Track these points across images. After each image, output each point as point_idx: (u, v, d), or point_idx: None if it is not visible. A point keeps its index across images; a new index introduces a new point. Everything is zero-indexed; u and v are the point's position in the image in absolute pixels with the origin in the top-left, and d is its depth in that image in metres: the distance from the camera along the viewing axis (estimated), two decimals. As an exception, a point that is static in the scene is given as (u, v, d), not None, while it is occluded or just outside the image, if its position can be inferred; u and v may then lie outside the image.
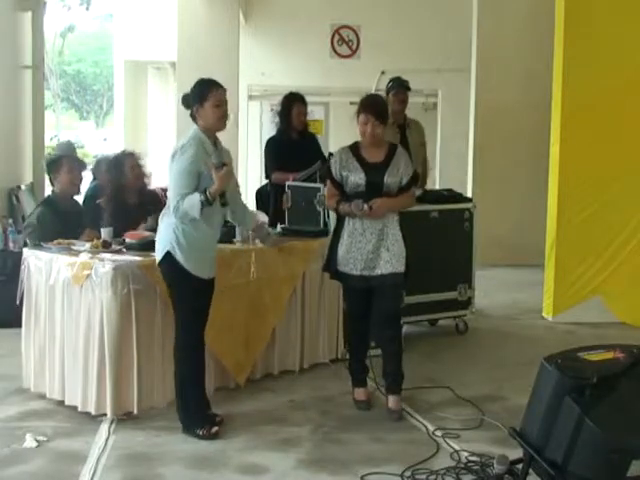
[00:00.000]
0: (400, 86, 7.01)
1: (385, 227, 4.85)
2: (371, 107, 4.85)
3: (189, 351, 4.52)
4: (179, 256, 4.41)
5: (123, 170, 5.78)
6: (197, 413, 4.55)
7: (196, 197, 4.32)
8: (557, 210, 7.27)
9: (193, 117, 4.53)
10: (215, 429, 4.49)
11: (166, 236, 4.46)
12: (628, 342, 3.88)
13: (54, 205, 5.85)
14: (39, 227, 5.69)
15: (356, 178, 4.83)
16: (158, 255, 4.50)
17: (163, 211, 4.57)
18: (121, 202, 5.76)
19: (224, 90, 4.55)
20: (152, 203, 5.82)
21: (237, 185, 4.83)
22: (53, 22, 29.23)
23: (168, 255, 4.43)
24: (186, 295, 4.49)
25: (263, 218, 5.73)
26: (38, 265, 4.99)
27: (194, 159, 4.38)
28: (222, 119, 4.50)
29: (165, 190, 7.16)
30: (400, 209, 4.96)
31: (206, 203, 4.30)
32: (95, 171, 8.09)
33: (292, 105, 6.73)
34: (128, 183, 5.78)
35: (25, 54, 8.87)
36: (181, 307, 4.53)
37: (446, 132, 11.16)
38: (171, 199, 4.41)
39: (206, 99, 4.45)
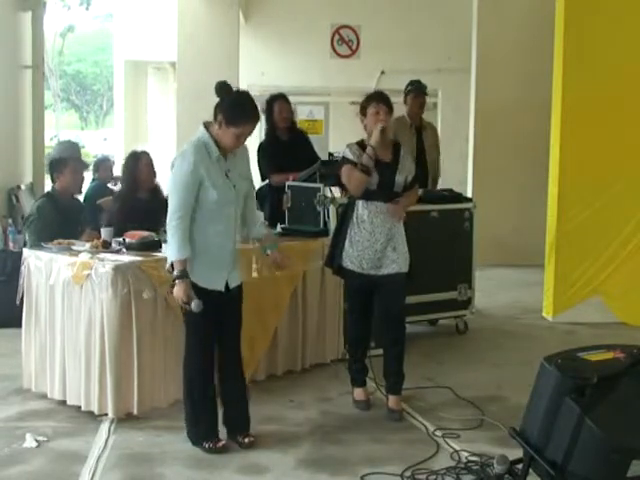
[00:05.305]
0: (419, 90, 7.15)
1: (393, 227, 4.86)
2: (380, 97, 4.88)
3: (193, 364, 4.32)
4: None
5: (139, 165, 5.92)
6: (203, 426, 4.37)
7: (184, 251, 4.12)
8: (557, 210, 7.27)
9: (215, 116, 4.21)
10: (222, 443, 4.32)
11: None
12: (628, 342, 3.88)
13: (54, 199, 5.87)
14: (38, 218, 5.72)
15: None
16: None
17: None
18: (133, 195, 5.89)
19: (256, 121, 4.25)
20: (162, 203, 5.83)
21: (252, 188, 4.59)
22: (53, 22, 29.25)
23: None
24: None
25: (261, 218, 5.71)
26: (38, 265, 4.99)
27: (194, 168, 4.12)
28: (237, 145, 4.26)
29: None
30: (410, 206, 5.03)
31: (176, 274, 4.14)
32: (94, 171, 8.12)
33: (273, 104, 6.66)
34: (141, 178, 5.90)
35: (25, 54, 8.87)
36: (183, 316, 4.35)
37: (446, 132, 11.13)
38: (170, 213, 4.16)
39: (233, 125, 4.15)
